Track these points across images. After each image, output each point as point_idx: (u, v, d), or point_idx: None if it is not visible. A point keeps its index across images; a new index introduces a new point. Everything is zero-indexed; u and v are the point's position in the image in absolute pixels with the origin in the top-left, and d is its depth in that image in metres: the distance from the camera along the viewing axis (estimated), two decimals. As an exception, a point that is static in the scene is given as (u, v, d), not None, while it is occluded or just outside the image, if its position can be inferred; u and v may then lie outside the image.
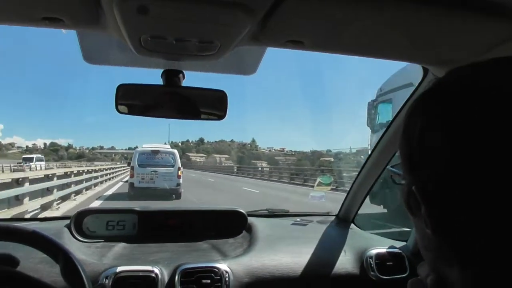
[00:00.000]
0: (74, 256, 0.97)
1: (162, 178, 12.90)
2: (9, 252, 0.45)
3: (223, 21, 0.87)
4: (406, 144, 0.48)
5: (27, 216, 7.35)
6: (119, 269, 1.30)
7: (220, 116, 1.28)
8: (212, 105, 1.27)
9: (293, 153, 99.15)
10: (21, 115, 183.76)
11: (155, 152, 13.45)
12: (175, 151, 14.35)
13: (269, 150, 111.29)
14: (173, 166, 13.30)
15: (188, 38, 0.95)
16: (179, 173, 13.19)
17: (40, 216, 7.27)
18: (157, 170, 12.98)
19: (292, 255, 1.52)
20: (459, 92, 0.44)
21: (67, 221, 1.58)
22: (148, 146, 14.31)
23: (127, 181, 15.53)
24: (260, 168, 37.24)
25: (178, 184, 13.00)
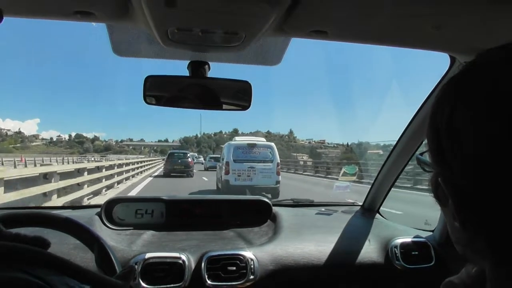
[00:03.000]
0: (105, 243, 1.01)
1: (261, 175, 11.47)
2: (40, 235, 0.47)
3: (249, 12, 0.88)
4: (434, 132, 0.46)
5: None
6: (148, 255, 1.35)
7: (245, 107, 1.29)
8: (237, 95, 1.29)
9: (335, 145, 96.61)
10: (55, 109, 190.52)
11: (252, 146, 11.91)
12: (273, 144, 12.64)
13: (309, 142, 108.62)
14: (271, 161, 11.76)
15: (213, 30, 0.97)
16: (278, 169, 11.77)
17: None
18: (254, 166, 11.54)
19: (316, 244, 1.53)
20: (491, 74, 0.42)
21: (98, 209, 1.64)
22: (242, 139, 13.03)
23: (156, 176, 15.59)
24: (302, 162, 35.01)
25: (278, 182, 11.55)
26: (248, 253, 1.41)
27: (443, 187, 0.44)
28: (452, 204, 0.43)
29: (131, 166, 18.33)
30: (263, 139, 13.82)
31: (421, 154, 0.54)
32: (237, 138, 13.59)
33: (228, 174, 11.51)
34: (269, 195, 10.08)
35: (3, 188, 6.08)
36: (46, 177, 7.95)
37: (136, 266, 1.31)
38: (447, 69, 1.30)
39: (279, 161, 12.03)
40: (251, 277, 1.37)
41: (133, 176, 17.73)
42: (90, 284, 0.46)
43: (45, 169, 9.05)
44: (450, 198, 0.43)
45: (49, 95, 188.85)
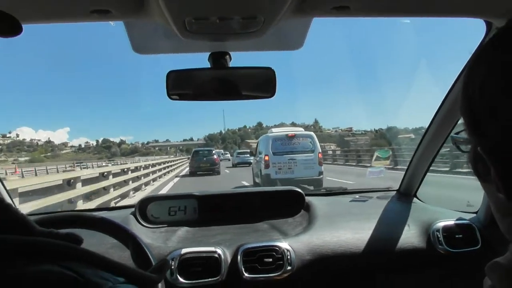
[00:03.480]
0: (141, 240, 1.02)
1: (302, 167, 10.86)
2: (72, 232, 0.49)
3: None
4: (468, 101, 0.44)
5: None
6: (184, 251, 1.35)
7: (269, 95, 1.26)
8: (261, 83, 1.26)
9: (363, 132, 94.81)
10: (83, 117, 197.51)
11: (291, 137, 11.28)
12: (313, 133, 12.08)
13: (335, 131, 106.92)
14: (312, 151, 11.14)
15: (231, 16, 0.94)
16: (320, 159, 11.13)
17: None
18: (295, 157, 10.96)
19: (353, 231, 1.49)
20: None
21: (132, 209, 1.66)
22: (279, 130, 12.37)
23: (183, 176, 15.39)
24: (330, 152, 32.98)
25: (321, 173, 10.91)
26: (284, 244, 1.39)
27: (484, 157, 0.42)
28: (495, 174, 0.41)
29: (157, 167, 18.14)
30: (301, 129, 13.04)
31: (457, 133, 0.51)
32: (274, 129, 12.67)
33: (268, 167, 10.97)
34: (312, 187, 9.71)
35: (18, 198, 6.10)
36: (69, 184, 7.92)
37: (173, 262, 1.32)
38: (482, 37, 1.21)
39: (320, 151, 11.41)
40: (288, 268, 1.35)
41: (160, 177, 17.59)
42: (124, 276, 0.46)
43: (66, 175, 8.83)
44: (492, 167, 0.41)
45: (77, 103, 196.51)
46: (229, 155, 48.01)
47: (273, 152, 11.04)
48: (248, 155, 27.40)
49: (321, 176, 10.89)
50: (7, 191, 1.59)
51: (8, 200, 1.59)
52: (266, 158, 11.05)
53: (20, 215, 0.46)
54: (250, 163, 26.22)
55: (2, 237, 0.39)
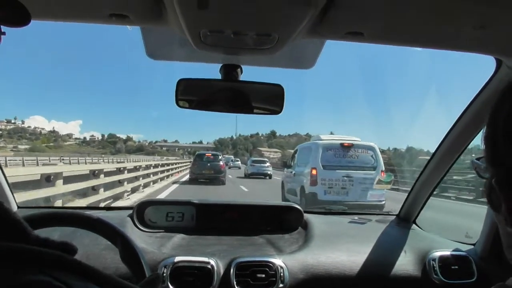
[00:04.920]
0: (131, 240, 1.00)
1: (360, 188, 8.23)
2: (67, 241, 0.49)
3: (282, 13, 0.86)
4: (492, 130, 0.46)
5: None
6: (177, 259, 1.34)
7: (277, 111, 1.27)
8: (269, 99, 1.27)
9: (381, 150, 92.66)
10: (96, 111, 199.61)
11: (347, 147, 8.64)
12: (375, 145, 9.05)
13: None
14: (374, 168, 8.49)
15: (246, 32, 0.95)
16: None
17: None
18: (351, 174, 8.35)
19: (349, 254, 1.48)
20: None
21: (130, 211, 1.66)
22: (330, 138, 9.46)
23: (183, 183, 13.81)
24: None
25: (382, 198, 8.14)
26: (278, 261, 1.38)
27: (496, 189, 0.43)
28: (504, 205, 0.42)
29: (152, 170, 15.71)
30: (359, 139, 9.32)
31: (478, 159, 0.53)
32: (322, 136, 9.44)
33: (315, 184, 8.36)
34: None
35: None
36: (48, 180, 6.86)
37: (165, 270, 1.31)
38: (493, 72, 1.22)
39: (383, 168, 8.70)
40: (281, 285, 1.34)
41: (153, 182, 15.10)
42: None
43: (47, 169, 7.74)
44: (503, 201, 0.42)
45: (92, 98, 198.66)
46: (239, 162, 44.12)
47: (323, 165, 8.40)
48: (266, 165, 24.50)
49: (383, 201, 8.08)
50: (9, 187, 1.59)
51: (9, 199, 1.59)
52: (314, 172, 8.40)
53: (16, 220, 0.46)
54: (267, 175, 23.36)
55: None
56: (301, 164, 9.30)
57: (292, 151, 11.03)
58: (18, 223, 0.46)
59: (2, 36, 0.51)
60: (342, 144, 8.69)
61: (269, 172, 23.71)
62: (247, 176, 23.52)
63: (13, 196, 1.63)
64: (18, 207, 1.68)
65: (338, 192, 8.31)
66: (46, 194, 6.54)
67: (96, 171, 9.38)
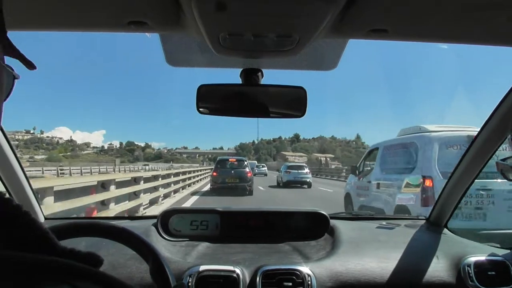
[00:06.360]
0: (161, 256, 1.00)
1: (505, 206, 5.10)
2: (93, 252, 0.49)
3: (302, 12, 0.83)
4: None
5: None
6: (202, 268, 1.33)
7: (300, 114, 1.24)
8: (291, 102, 1.25)
9: None
10: (118, 121, 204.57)
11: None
12: None
13: None
14: None
15: (265, 33, 0.93)
16: None
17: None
18: (490, 186, 5.09)
19: (379, 260, 1.42)
20: None
21: (154, 220, 1.66)
22: (447, 128, 5.92)
23: (204, 194, 12.05)
24: None
25: None
26: (305, 269, 1.34)
27: None
28: None
29: (172, 179, 14.01)
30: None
31: (503, 160, 0.47)
32: (428, 126, 6.09)
33: (429, 204, 5.10)
34: None
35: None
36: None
37: (190, 279, 1.30)
38: None
39: None
40: None
41: (167, 195, 13.00)
42: None
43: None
44: None
45: (115, 108, 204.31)
46: (266, 168, 39.80)
47: (442, 172, 5.27)
48: (305, 171, 21.08)
49: None
50: (37, 199, 1.61)
51: (36, 210, 1.62)
52: (428, 183, 5.34)
53: (43, 231, 0.46)
54: (305, 183, 20.17)
55: (21, 255, 0.39)
56: (390, 170, 6.50)
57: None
58: (45, 234, 0.46)
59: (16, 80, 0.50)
60: (469, 136, 5.06)
61: (308, 180, 20.82)
62: (282, 185, 20.39)
63: (40, 208, 1.66)
64: (46, 219, 1.70)
65: (469, 215, 5.10)
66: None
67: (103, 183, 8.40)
